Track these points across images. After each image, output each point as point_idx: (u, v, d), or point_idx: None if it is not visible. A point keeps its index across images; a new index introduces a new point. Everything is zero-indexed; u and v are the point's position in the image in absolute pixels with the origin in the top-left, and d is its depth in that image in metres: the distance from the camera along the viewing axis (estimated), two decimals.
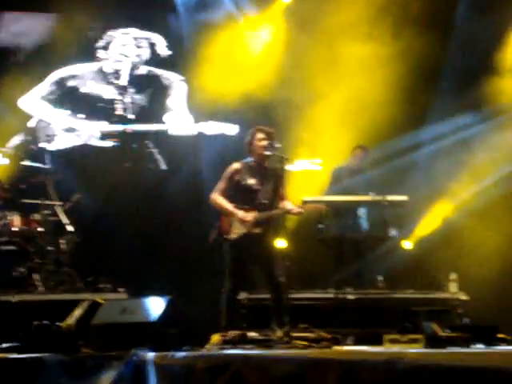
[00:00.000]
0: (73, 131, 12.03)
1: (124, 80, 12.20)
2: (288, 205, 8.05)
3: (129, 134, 12.10)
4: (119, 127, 12.11)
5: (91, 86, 12.16)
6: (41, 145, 11.61)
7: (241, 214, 7.96)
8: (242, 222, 7.93)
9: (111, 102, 12.20)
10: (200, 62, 11.60)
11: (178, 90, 12.22)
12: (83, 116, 12.05)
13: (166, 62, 12.27)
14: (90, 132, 12.04)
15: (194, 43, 11.88)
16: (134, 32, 12.34)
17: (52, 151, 10.60)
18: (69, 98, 12.08)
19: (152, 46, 12.27)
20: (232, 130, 11.85)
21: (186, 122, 12.08)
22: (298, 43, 11.62)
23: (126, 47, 12.25)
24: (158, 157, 12.12)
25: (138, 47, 12.27)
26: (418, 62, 11.14)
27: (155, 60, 12.29)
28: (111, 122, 12.11)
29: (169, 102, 12.21)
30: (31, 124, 12.00)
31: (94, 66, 12.22)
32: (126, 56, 12.25)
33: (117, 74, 12.19)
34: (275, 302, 7.90)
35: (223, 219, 8.05)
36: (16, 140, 11.88)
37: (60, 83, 12.06)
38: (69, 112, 12.05)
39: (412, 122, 11.36)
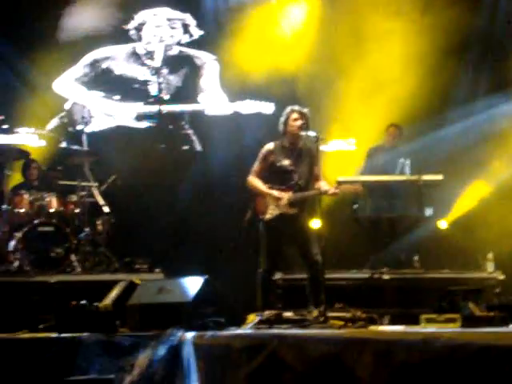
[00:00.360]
0: (108, 113, 12.07)
1: (158, 61, 12.20)
2: (323, 185, 8.04)
3: (164, 114, 12.10)
4: (155, 108, 12.12)
5: (125, 68, 12.17)
6: (78, 127, 11.66)
7: (276, 193, 7.98)
8: (277, 202, 7.94)
9: (145, 83, 12.21)
10: (233, 40, 11.58)
11: (211, 70, 12.19)
12: (118, 97, 12.07)
13: (197, 41, 12.23)
14: (125, 113, 12.07)
15: (226, 21, 11.85)
16: (166, 13, 12.32)
17: (88, 133, 10.63)
18: (103, 79, 12.10)
19: (185, 26, 12.25)
20: (268, 108, 11.78)
21: (221, 101, 12.05)
22: (331, 21, 11.55)
23: (160, 28, 12.24)
24: (194, 138, 12.12)
25: (172, 28, 12.26)
26: (449, 37, 11.02)
27: (187, 40, 12.25)
28: (146, 103, 12.12)
29: (202, 82, 12.19)
30: (67, 106, 12.05)
31: (127, 48, 12.22)
32: (159, 37, 12.25)
33: (150, 55, 12.20)
34: (312, 282, 7.91)
35: (259, 200, 8.08)
36: (54, 123, 11.95)
37: (94, 65, 12.09)
38: (103, 94, 12.08)
39: (447, 99, 11.26)
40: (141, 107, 12.09)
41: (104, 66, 12.12)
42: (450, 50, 11.11)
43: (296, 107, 8.23)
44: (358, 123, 11.19)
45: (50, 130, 11.64)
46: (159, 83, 12.16)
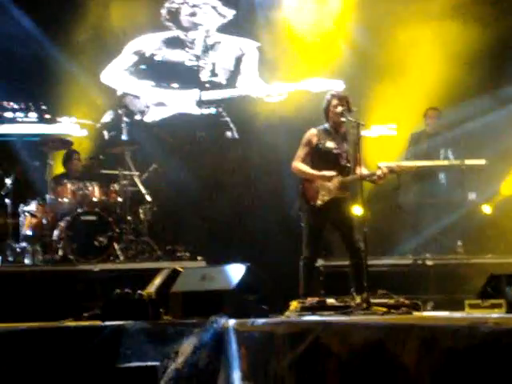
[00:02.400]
0: (163, 102, 12.05)
1: (199, 47, 12.18)
2: (365, 171, 7.97)
3: (207, 101, 12.08)
4: (212, 94, 12.07)
5: (170, 55, 12.14)
6: (136, 117, 11.76)
7: (327, 173, 7.89)
8: (328, 185, 7.86)
9: (193, 68, 12.16)
10: (270, 27, 11.59)
11: (252, 56, 12.15)
12: (166, 85, 12.05)
13: (234, 26, 12.17)
14: (183, 101, 12.04)
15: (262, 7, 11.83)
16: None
17: (148, 123, 10.80)
18: (150, 67, 12.09)
19: (214, 8, 12.20)
20: (339, 85, 11.57)
21: (266, 87, 11.99)
22: (369, 8, 11.48)
23: (196, 16, 12.21)
24: (232, 125, 12.08)
25: (205, 13, 12.22)
26: (493, 23, 10.91)
27: (223, 22, 12.18)
28: (201, 89, 12.08)
29: (243, 68, 12.16)
30: (121, 98, 12.01)
31: (168, 35, 12.20)
32: (196, 23, 12.22)
33: (192, 41, 12.18)
34: (355, 268, 7.85)
35: (307, 186, 7.97)
36: (109, 115, 11.95)
37: (138, 53, 12.08)
38: (153, 83, 12.06)
39: (487, 83, 11.14)
40: (194, 93, 12.04)
41: (148, 54, 12.10)
42: (499, 31, 10.98)
43: (336, 92, 8.18)
44: (400, 109, 11.12)
45: (105, 123, 11.70)
46: (205, 69, 12.12)
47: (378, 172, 7.89)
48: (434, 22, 11.08)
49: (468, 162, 10.02)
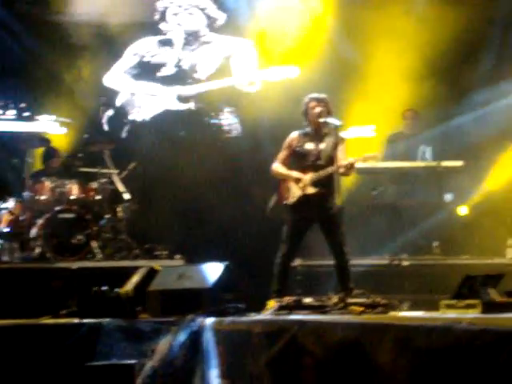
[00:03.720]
0: (153, 95, 12.06)
1: (179, 47, 12.17)
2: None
3: (185, 97, 12.10)
4: (192, 89, 12.08)
5: (159, 56, 12.14)
6: (130, 117, 11.77)
7: (296, 173, 7.99)
8: (298, 183, 7.94)
9: (181, 68, 12.16)
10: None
11: (243, 55, 12.16)
12: (159, 84, 12.07)
13: (224, 26, 12.20)
14: (168, 96, 12.04)
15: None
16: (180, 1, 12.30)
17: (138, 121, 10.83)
18: (143, 68, 12.07)
19: (203, 10, 12.22)
20: (293, 71, 11.65)
21: (249, 72, 12.03)
22: (349, 10, 11.54)
23: (178, 16, 12.21)
24: (223, 122, 12.08)
25: (190, 14, 12.24)
26: (465, 29, 10.99)
27: (213, 24, 12.21)
28: (185, 84, 12.08)
29: (232, 65, 12.17)
30: (120, 100, 12.00)
31: (159, 37, 12.18)
32: (178, 24, 12.22)
33: (172, 41, 12.19)
34: (339, 268, 7.92)
35: (281, 186, 8.08)
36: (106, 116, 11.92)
37: (136, 55, 12.07)
38: (146, 82, 12.06)
39: (467, 85, 11.21)
40: (181, 89, 12.04)
41: (143, 55, 12.10)
42: (470, 36, 11.06)
43: (314, 95, 8.22)
44: (378, 111, 11.17)
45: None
46: (190, 66, 12.13)
47: (344, 162, 7.92)
48: (412, 23, 11.15)
49: (445, 163, 10.09)
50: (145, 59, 12.10)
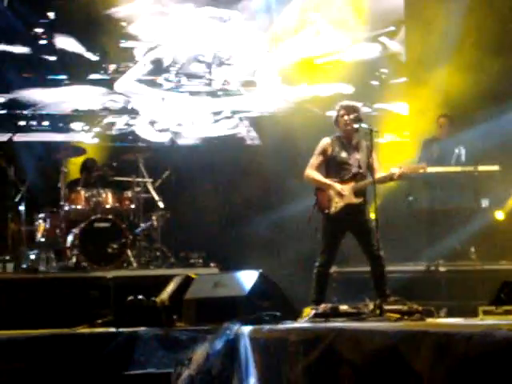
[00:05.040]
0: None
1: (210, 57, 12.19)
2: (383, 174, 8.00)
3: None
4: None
5: (184, 64, 12.14)
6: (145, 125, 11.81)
7: (339, 186, 7.93)
8: (341, 194, 7.90)
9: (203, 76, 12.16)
10: None
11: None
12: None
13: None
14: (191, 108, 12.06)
15: None
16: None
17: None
18: (163, 76, 12.10)
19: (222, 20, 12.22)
20: (347, 89, 11.69)
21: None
22: None
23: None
24: (251, 131, 12.06)
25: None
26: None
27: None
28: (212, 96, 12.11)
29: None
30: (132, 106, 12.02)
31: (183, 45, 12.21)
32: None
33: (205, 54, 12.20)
34: (376, 275, 7.88)
35: (321, 194, 8.00)
36: (120, 122, 11.97)
37: (155, 63, 12.09)
38: (163, 91, 12.08)
39: (503, 88, 11.11)
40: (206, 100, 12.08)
41: (165, 63, 12.11)
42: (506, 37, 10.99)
43: (344, 103, 8.21)
44: (413, 117, 11.13)
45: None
46: (215, 77, 12.13)
47: (390, 174, 7.93)
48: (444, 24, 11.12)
49: (481, 168, 10.02)
50: (167, 66, 12.10)
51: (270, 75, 12.06)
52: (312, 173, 8.06)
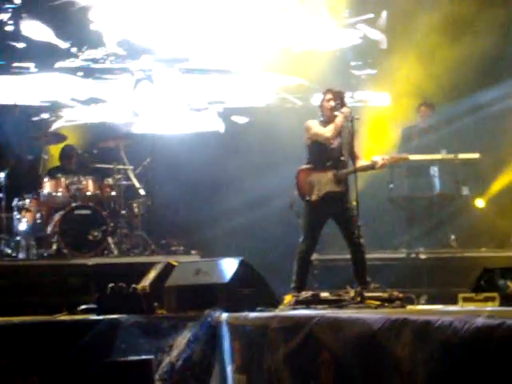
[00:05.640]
0: None
1: None
2: (365, 163, 8.00)
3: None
4: None
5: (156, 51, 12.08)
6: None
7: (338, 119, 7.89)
8: (323, 179, 7.87)
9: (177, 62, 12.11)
10: None
11: None
12: None
13: None
14: None
15: None
16: None
17: None
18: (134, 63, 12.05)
19: None
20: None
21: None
22: None
23: None
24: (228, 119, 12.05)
25: None
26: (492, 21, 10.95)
27: None
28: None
29: None
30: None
31: None
32: None
33: None
34: (356, 262, 7.89)
35: (301, 181, 7.98)
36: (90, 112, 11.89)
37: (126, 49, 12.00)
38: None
39: (483, 79, 11.13)
40: None
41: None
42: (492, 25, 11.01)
43: (330, 88, 8.19)
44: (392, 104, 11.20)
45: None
46: None
47: (373, 163, 7.94)
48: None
49: (461, 155, 10.05)
50: None
51: (249, 63, 12.00)
52: (327, 127, 7.95)
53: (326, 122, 8.04)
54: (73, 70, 11.55)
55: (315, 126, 7.99)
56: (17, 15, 11.31)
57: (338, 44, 11.91)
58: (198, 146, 11.46)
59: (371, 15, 11.90)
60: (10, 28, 11.30)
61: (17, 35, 11.28)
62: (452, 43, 10.88)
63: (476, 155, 10.05)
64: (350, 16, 11.92)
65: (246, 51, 11.92)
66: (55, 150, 10.57)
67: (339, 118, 7.84)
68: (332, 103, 7.98)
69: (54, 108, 11.45)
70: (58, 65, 11.45)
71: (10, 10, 11.31)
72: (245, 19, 11.80)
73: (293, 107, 11.77)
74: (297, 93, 11.82)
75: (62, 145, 10.51)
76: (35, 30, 11.33)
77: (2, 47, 11.27)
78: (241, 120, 11.97)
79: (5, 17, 11.29)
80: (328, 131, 7.90)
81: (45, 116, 11.01)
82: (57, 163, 10.51)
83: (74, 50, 11.52)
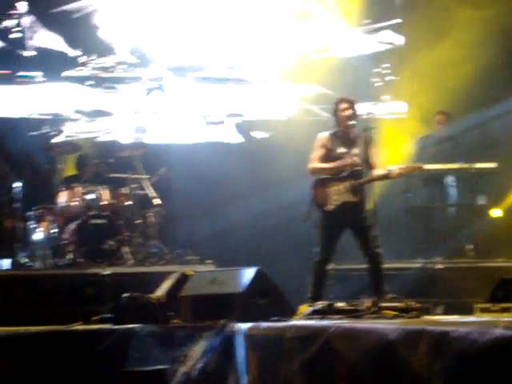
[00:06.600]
0: None
1: None
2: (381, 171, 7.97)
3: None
4: None
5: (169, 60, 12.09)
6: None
7: (348, 160, 7.88)
8: (340, 189, 7.86)
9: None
10: None
11: None
12: None
13: None
14: None
15: None
16: None
17: None
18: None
19: None
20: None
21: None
22: None
23: None
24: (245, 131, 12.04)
25: None
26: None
27: None
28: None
29: None
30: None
31: None
32: None
33: None
34: (373, 272, 7.86)
35: (318, 191, 7.97)
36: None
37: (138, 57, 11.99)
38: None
39: (500, 88, 11.09)
40: None
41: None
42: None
43: (344, 97, 8.17)
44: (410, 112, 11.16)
45: None
46: None
47: (388, 172, 7.91)
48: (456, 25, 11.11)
49: (478, 165, 10.01)
50: None
51: (268, 72, 11.96)
52: (317, 164, 8.00)
53: (342, 131, 8.01)
54: (81, 79, 11.38)
55: (315, 154, 8.00)
56: (23, 22, 11.08)
57: (359, 51, 11.85)
58: (214, 155, 11.46)
59: (398, 20, 11.80)
60: (15, 35, 11.05)
61: (23, 43, 11.09)
62: (476, 57, 10.85)
63: (492, 164, 10.01)
64: (371, 22, 11.84)
65: (262, 59, 11.90)
66: (71, 159, 10.58)
67: (348, 162, 7.82)
68: (348, 112, 7.96)
69: (56, 121, 11.25)
70: (66, 73, 11.29)
71: (16, 16, 11.07)
72: (261, 26, 11.78)
73: (317, 120, 11.54)
74: (320, 103, 11.71)
75: (77, 154, 10.53)
76: (42, 37, 11.22)
77: (7, 55, 11.04)
78: (260, 135, 11.92)
79: (10, 23, 11.07)
80: (314, 166, 7.95)
81: (45, 130, 10.68)
82: (73, 172, 10.53)
83: (83, 58, 11.37)
